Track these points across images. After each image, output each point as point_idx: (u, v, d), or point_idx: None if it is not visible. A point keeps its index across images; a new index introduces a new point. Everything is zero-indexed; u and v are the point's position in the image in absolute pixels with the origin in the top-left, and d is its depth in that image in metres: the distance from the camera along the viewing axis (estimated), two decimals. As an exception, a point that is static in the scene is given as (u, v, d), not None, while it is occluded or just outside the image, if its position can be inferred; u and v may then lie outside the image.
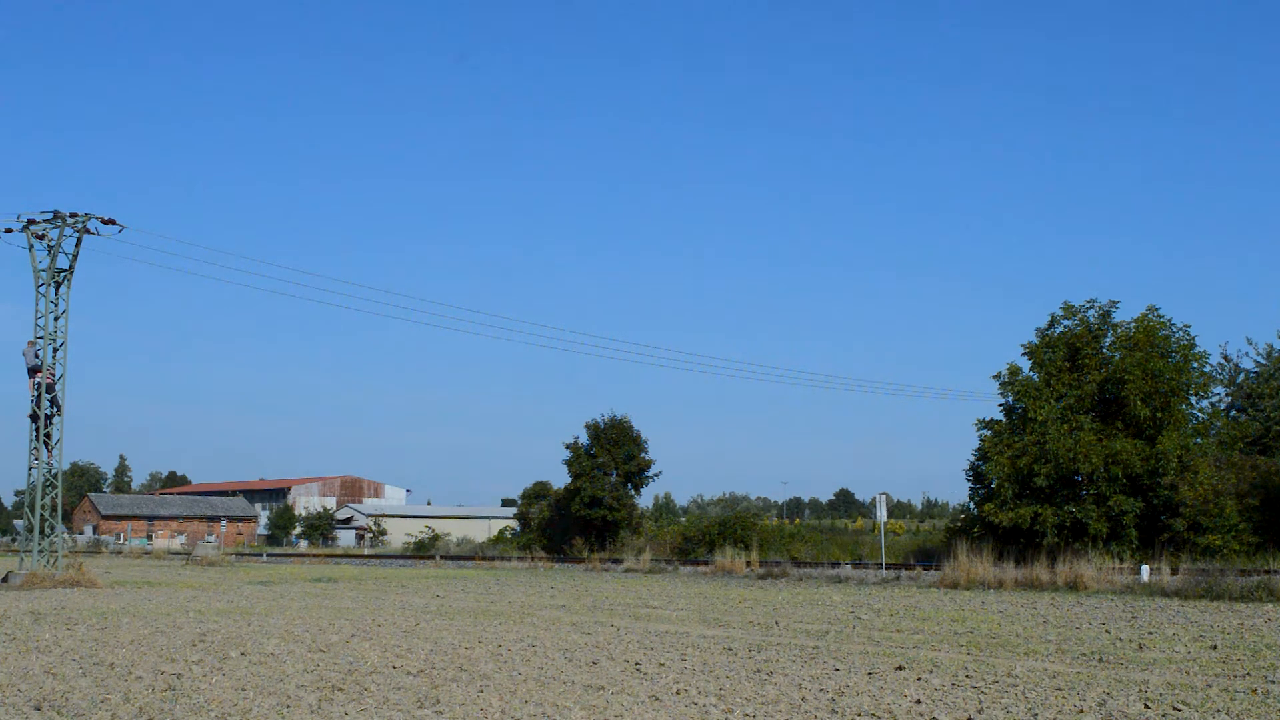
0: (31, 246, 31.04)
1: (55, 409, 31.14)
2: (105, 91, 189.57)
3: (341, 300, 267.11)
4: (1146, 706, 10.30)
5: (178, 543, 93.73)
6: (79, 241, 31.19)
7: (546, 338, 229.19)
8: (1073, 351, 34.91)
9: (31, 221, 31.13)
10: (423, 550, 61.98)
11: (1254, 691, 11.04)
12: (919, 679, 12.01)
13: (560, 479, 54.93)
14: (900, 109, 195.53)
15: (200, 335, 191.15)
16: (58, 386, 31.16)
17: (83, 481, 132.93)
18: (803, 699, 10.91)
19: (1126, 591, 23.88)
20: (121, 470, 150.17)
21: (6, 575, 30.10)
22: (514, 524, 72.59)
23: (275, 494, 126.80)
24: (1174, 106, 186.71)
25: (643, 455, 52.16)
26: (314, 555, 56.25)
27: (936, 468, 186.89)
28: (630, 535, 49.17)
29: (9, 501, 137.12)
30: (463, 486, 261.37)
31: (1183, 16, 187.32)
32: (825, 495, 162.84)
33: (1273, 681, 11.63)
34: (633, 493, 52.04)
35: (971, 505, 36.21)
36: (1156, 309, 34.57)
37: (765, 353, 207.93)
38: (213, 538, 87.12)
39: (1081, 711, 10.11)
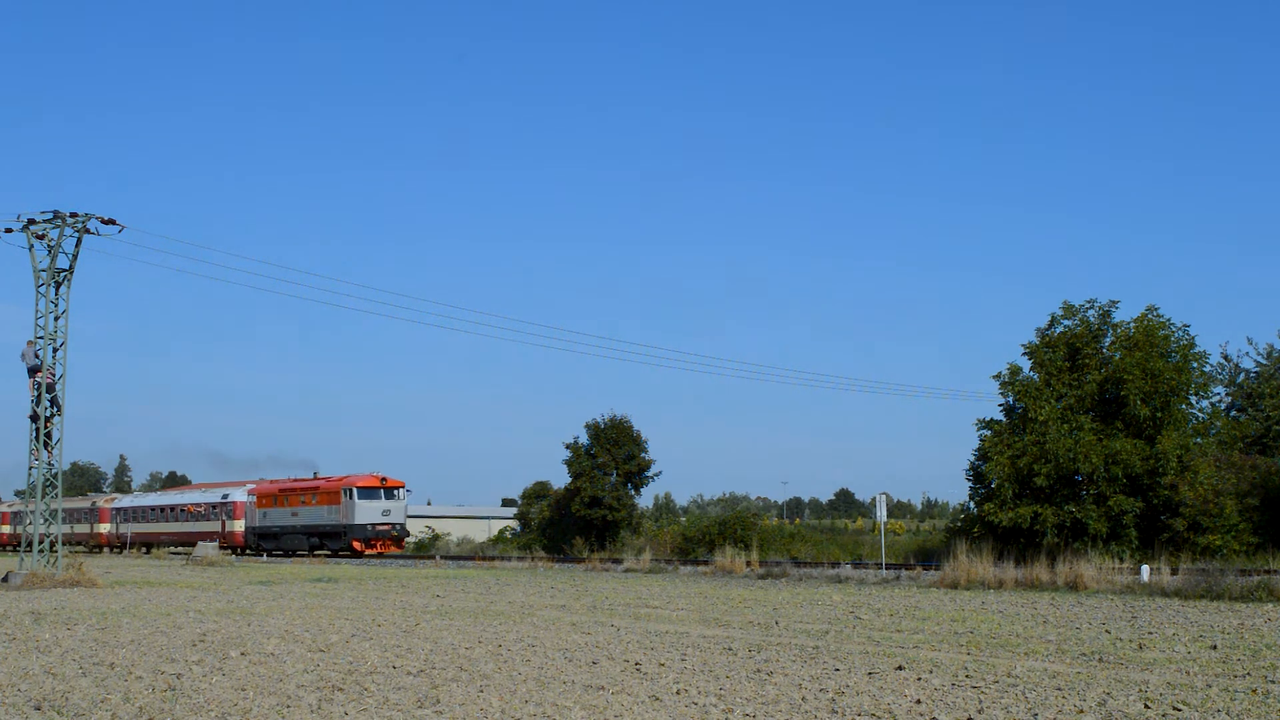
0: (31, 246, 31.05)
1: (55, 409, 31.15)
2: (105, 91, 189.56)
3: (342, 300, 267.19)
4: (1146, 706, 10.31)
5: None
6: (79, 241, 31.20)
7: (546, 338, 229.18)
8: (1073, 351, 34.90)
9: (31, 221, 31.14)
10: (423, 550, 61.95)
11: (1254, 691, 11.04)
12: (919, 679, 12.01)
13: (560, 479, 54.95)
14: (900, 110, 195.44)
15: (200, 335, 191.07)
16: (58, 386, 31.17)
17: (83, 481, 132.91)
18: (803, 699, 10.91)
19: (1126, 591, 23.89)
20: (121, 470, 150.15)
21: (6, 575, 30.11)
22: (514, 524, 72.54)
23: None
24: (1174, 105, 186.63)
25: (643, 455, 52.14)
26: (314, 555, 56.15)
27: (936, 468, 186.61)
28: (630, 535, 49.14)
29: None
30: (463, 486, 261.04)
31: (1182, 15, 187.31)
32: (825, 495, 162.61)
33: (1273, 681, 11.63)
34: (633, 493, 52.01)
35: (971, 505, 36.20)
36: (1156, 309, 34.58)
37: (765, 353, 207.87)
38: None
39: (1081, 711, 10.11)
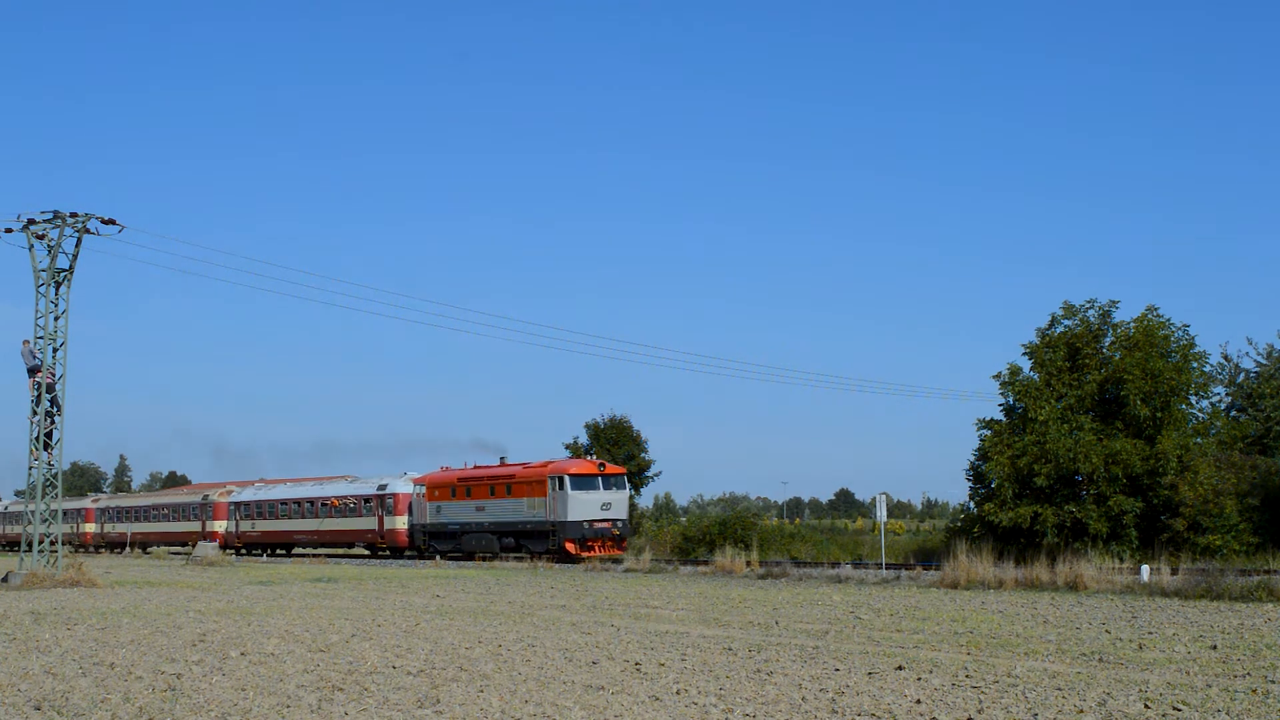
0: (31, 246, 31.08)
1: (55, 409, 31.17)
2: (105, 91, 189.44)
3: (342, 300, 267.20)
4: (1146, 706, 10.32)
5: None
6: (79, 241, 31.23)
7: (546, 338, 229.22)
8: (1073, 351, 34.93)
9: (31, 221, 31.17)
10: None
11: (1254, 691, 11.05)
12: (919, 679, 12.02)
13: (560, 479, 54.93)
14: (900, 109, 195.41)
15: (200, 335, 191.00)
16: (58, 386, 31.19)
17: (83, 481, 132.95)
18: (803, 699, 10.92)
19: (1126, 591, 23.89)
20: (121, 470, 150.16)
21: (6, 575, 30.12)
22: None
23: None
24: (1175, 104, 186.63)
25: (643, 455, 52.21)
26: (314, 555, 56.05)
27: (936, 468, 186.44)
28: (630, 535, 49.07)
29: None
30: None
31: (1181, 13, 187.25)
32: (825, 495, 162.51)
33: (1273, 681, 11.63)
34: (633, 493, 52.03)
35: (971, 505, 36.24)
36: (1156, 309, 34.62)
37: (765, 353, 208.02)
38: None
39: (1081, 711, 10.12)
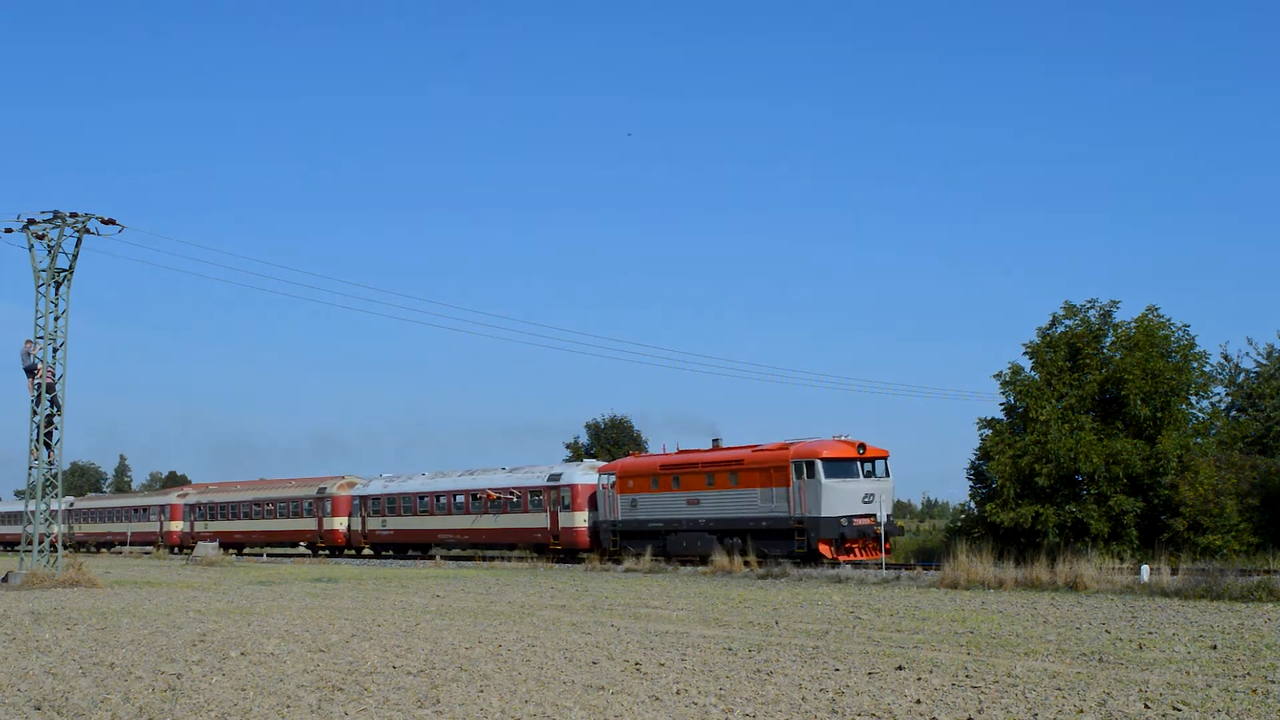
0: (31, 246, 31.12)
1: (55, 409, 31.19)
2: (105, 91, 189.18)
3: (342, 300, 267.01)
4: (1146, 706, 10.32)
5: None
6: (79, 241, 31.27)
7: (546, 338, 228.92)
8: (1073, 351, 34.92)
9: (31, 221, 31.20)
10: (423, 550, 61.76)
11: (1254, 691, 11.05)
12: (919, 679, 12.02)
13: (561, 479, 54.78)
14: (900, 110, 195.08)
15: (200, 334, 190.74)
16: (58, 386, 31.20)
17: (83, 481, 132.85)
18: (803, 699, 10.92)
19: (1126, 591, 23.89)
20: (121, 470, 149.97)
21: (6, 575, 30.14)
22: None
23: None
24: (1175, 104, 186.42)
25: (643, 455, 52.19)
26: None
27: (936, 468, 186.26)
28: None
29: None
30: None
31: (1182, 15, 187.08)
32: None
33: (1273, 681, 11.63)
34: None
35: (972, 505, 36.21)
36: (1156, 309, 34.58)
37: (765, 352, 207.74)
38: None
39: (1081, 711, 10.12)
